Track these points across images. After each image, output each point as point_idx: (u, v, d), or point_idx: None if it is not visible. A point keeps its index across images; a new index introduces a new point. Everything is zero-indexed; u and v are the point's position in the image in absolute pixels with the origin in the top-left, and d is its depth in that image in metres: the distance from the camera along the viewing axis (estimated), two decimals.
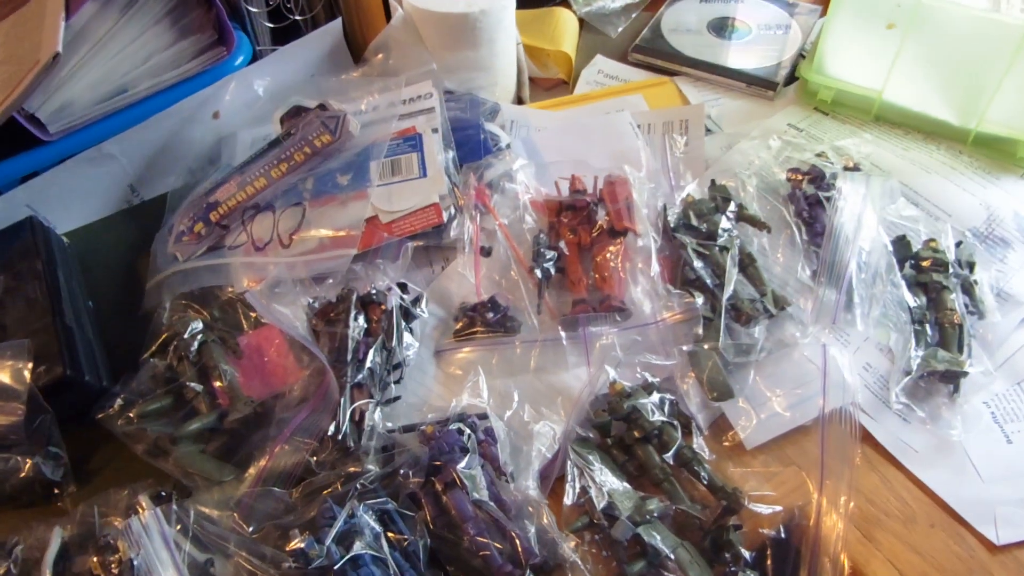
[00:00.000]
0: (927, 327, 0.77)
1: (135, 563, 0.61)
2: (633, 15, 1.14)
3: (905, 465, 0.71)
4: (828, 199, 0.83)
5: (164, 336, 0.75)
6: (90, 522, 0.66)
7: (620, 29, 1.12)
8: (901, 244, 0.81)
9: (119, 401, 0.72)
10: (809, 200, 0.84)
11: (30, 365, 0.69)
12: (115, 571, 0.62)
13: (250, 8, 0.94)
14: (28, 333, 0.72)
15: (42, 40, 0.79)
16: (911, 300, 0.78)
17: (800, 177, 0.86)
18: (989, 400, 0.75)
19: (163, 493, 0.67)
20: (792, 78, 1.02)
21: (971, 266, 0.80)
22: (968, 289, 0.79)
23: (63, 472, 0.71)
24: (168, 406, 0.72)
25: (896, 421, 0.73)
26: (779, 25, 1.09)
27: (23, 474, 0.69)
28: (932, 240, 0.81)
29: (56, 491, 0.71)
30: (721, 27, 1.09)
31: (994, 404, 0.74)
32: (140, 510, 0.64)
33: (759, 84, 1.01)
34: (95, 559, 0.63)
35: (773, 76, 1.01)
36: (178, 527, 0.64)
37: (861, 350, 0.77)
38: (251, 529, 0.64)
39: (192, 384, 0.72)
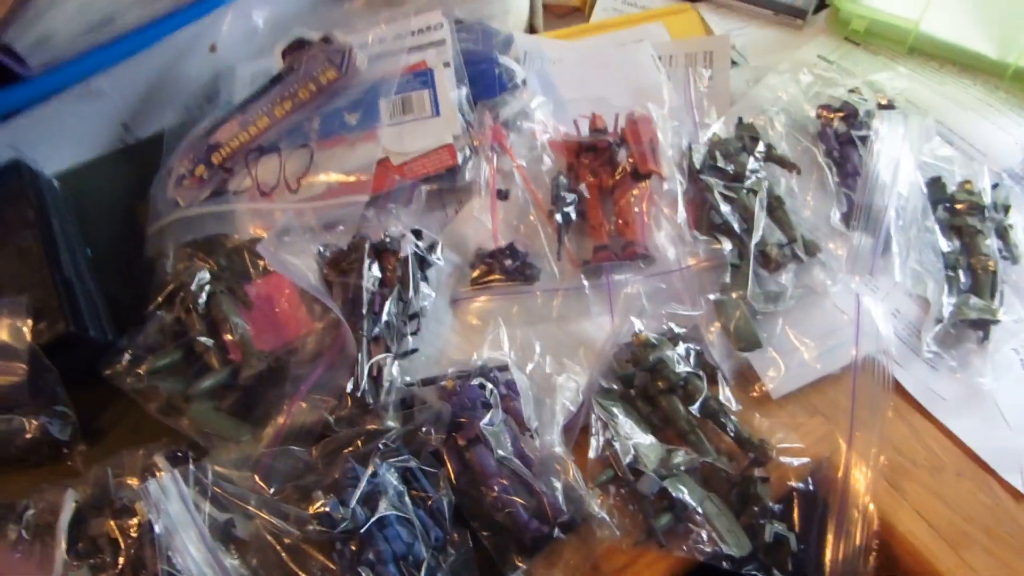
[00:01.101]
0: (960, 272, 0.74)
1: (155, 527, 0.59)
2: None
3: (933, 414, 0.70)
4: (861, 139, 0.79)
5: (170, 287, 0.72)
6: (104, 483, 0.64)
7: None
8: (936, 186, 0.78)
9: (127, 356, 0.69)
10: (841, 139, 0.81)
11: (30, 322, 0.66)
12: (134, 535, 0.60)
13: None
14: (24, 287, 0.68)
15: None
16: (944, 245, 0.75)
17: (831, 115, 0.82)
18: (1019, 347, 0.73)
19: (179, 453, 0.65)
20: (822, 5, 0.97)
21: (1006, 209, 0.77)
22: (1003, 233, 0.76)
23: (71, 431, 0.69)
24: (178, 361, 0.70)
25: (925, 369, 0.72)
26: None
27: (29, 435, 0.66)
28: (967, 182, 0.78)
29: (65, 451, 0.69)
30: None
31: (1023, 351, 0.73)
32: (157, 471, 0.62)
33: (787, 12, 0.95)
34: (112, 522, 0.61)
35: (802, 2, 0.96)
36: (196, 488, 0.62)
37: (890, 296, 0.75)
38: (272, 490, 0.63)
39: (202, 338, 0.69)
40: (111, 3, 0.80)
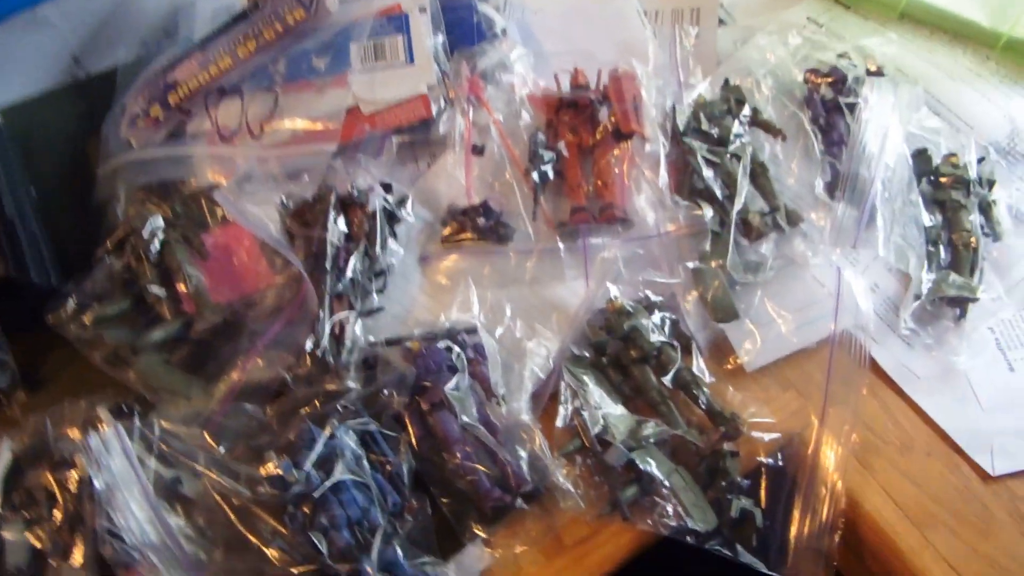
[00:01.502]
0: (940, 248, 0.73)
1: (95, 483, 0.56)
2: None
3: (906, 391, 0.69)
4: (849, 106, 0.77)
5: (121, 233, 0.68)
6: (43, 434, 0.61)
7: None
8: (921, 158, 0.76)
9: (72, 303, 0.65)
10: (827, 105, 0.78)
11: None
12: (73, 489, 0.58)
13: None
14: None
15: None
16: (927, 219, 0.74)
17: (819, 79, 0.80)
18: (994, 326, 0.72)
19: (124, 406, 0.62)
20: None
21: (991, 184, 0.76)
22: (986, 209, 0.75)
23: (10, 379, 0.66)
24: (127, 310, 0.66)
25: (900, 346, 0.71)
26: None
27: None
28: (953, 155, 0.76)
29: (3, 399, 0.66)
30: None
31: (999, 330, 0.72)
32: (100, 424, 0.59)
33: None
34: (49, 475, 0.58)
35: None
36: (141, 443, 0.60)
37: (869, 270, 0.73)
38: (222, 448, 0.60)
39: (153, 288, 0.66)
40: None
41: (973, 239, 0.72)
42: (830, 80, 0.79)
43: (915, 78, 0.82)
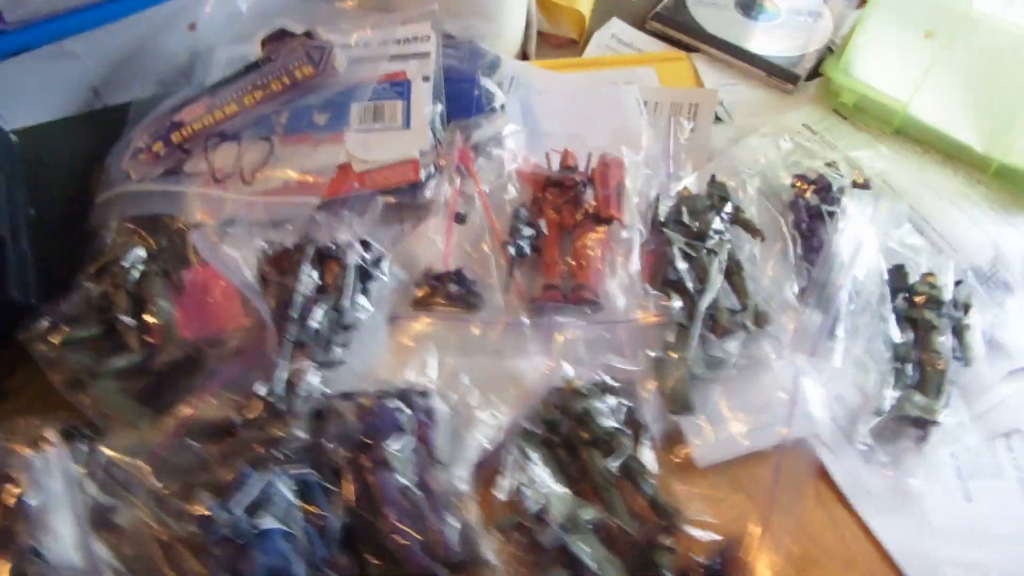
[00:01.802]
0: (908, 367, 0.72)
1: (30, 500, 0.58)
2: None
3: (856, 508, 0.68)
4: (831, 214, 0.78)
5: (104, 260, 0.71)
6: None
7: None
8: (898, 274, 0.76)
9: (44, 323, 0.67)
10: (811, 212, 0.79)
11: None
12: (10, 504, 0.58)
13: None
14: None
15: None
16: (897, 336, 0.73)
17: (806, 186, 0.80)
18: (957, 452, 0.71)
19: (76, 431, 0.63)
20: (815, 73, 0.96)
21: (966, 308, 0.75)
22: (959, 332, 0.74)
23: None
24: (96, 336, 0.68)
25: (857, 460, 0.70)
26: (810, 11, 1.02)
27: None
28: (930, 274, 0.76)
29: None
30: (749, 4, 1.02)
31: (961, 457, 0.71)
32: (46, 444, 0.61)
33: (779, 75, 0.94)
34: None
35: (795, 67, 0.95)
36: (85, 469, 0.61)
37: (835, 380, 0.72)
38: (161, 484, 0.61)
39: (124, 317, 0.68)
40: None
41: (942, 361, 0.71)
42: (815, 187, 0.80)
43: (902, 194, 0.83)
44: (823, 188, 0.80)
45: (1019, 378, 0.74)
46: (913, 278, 0.77)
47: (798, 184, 0.81)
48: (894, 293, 0.75)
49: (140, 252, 0.70)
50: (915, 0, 0.91)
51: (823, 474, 0.69)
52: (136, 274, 0.70)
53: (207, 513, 0.57)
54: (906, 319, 0.74)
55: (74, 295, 0.69)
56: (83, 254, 0.73)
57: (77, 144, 0.81)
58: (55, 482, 0.59)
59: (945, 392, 0.71)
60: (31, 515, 0.57)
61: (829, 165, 0.83)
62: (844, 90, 0.90)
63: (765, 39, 0.98)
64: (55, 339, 0.66)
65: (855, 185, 0.80)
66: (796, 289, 0.76)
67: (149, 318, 0.68)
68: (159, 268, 0.71)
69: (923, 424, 0.70)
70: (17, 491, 0.59)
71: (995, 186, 0.85)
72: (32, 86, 0.79)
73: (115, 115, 0.82)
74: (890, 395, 0.71)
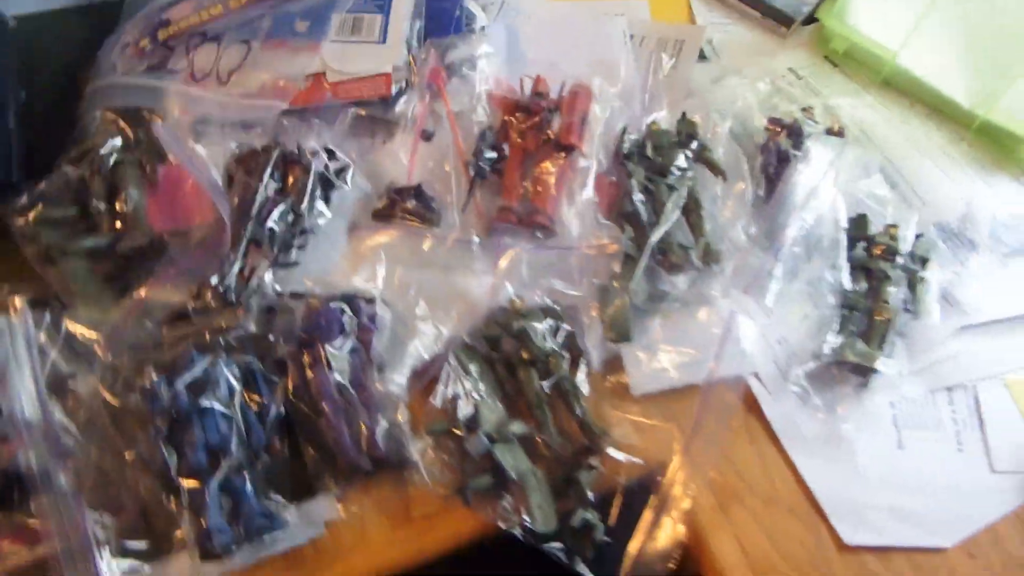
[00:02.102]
0: (856, 315, 0.73)
1: None
2: None
3: (786, 447, 0.69)
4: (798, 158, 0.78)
5: (84, 147, 0.74)
6: None
7: None
8: (859, 223, 0.76)
9: (24, 199, 0.71)
10: (780, 156, 0.79)
11: None
12: None
13: None
14: None
15: None
16: (848, 283, 0.74)
17: (779, 129, 0.80)
18: (896, 402, 0.71)
19: (42, 301, 0.67)
20: (812, 19, 0.94)
21: (923, 262, 0.75)
22: (913, 285, 0.74)
23: None
24: (69, 217, 0.72)
25: (791, 402, 0.71)
26: None
27: None
28: (893, 226, 0.76)
29: None
30: None
31: (900, 407, 0.71)
32: (13, 309, 0.65)
33: (775, 17, 0.93)
34: None
35: (793, 11, 0.93)
36: (47, 336, 0.65)
37: (779, 322, 0.73)
38: (111, 356, 0.65)
39: (97, 201, 0.71)
40: None
41: (889, 311, 0.72)
42: (788, 131, 0.79)
43: (881, 145, 0.82)
44: (795, 133, 0.79)
45: (971, 334, 0.75)
46: (876, 229, 0.76)
47: (770, 128, 0.81)
48: (853, 242, 0.75)
49: (117, 141, 0.74)
50: None
51: (757, 412, 0.70)
52: (111, 162, 0.73)
53: (150, 386, 0.61)
54: (861, 268, 0.75)
55: (54, 177, 0.73)
56: (68, 140, 0.77)
57: (72, 35, 0.85)
58: (18, 344, 0.64)
59: (889, 342, 0.72)
60: None
61: (804, 110, 0.82)
62: (835, 36, 0.89)
63: None
64: (32, 215, 0.70)
65: (829, 132, 0.80)
66: (753, 230, 0.76)
67: (120, 205, 0.71)
68: (135, 159, 0.74)
69: (864, 372, 0.71)
70: None
71: (977, 144, 0.84)
72: None
73: (110, 10, 0.85)
74: (832, 340, 0.71)
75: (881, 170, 0.80)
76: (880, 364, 0.70)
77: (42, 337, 0.65)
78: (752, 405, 0.71)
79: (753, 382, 0.71)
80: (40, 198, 0.72)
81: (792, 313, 0.73)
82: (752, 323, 0.71)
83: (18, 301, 0.66)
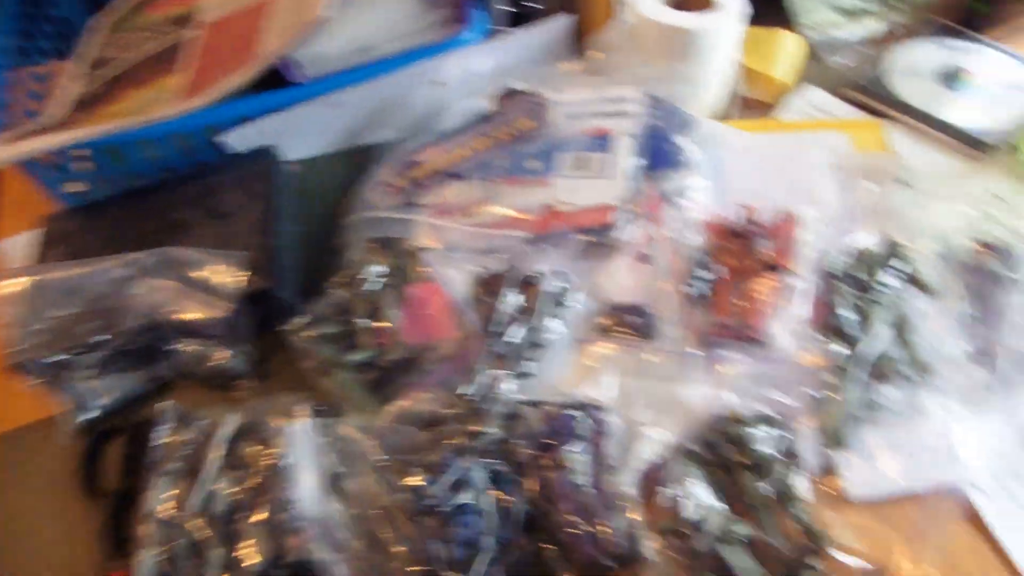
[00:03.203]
0: None
1: (282, 461, 0.72)
2: (862, 48, 1.11)
3: (1013, 559, 0.70)
4: (1010, 280, 0.80)
5: (349, 273, 0.86)
6: (259, 415, 0.77)
7: (842, 61, 1.10)
8: None
9: (302, 319, 0.83)
10: (990, 276, 0.81)
11: (243, 274, 0.82)
12: (267, 462, 0.73)
13: None
14: (247, 247, 0.85)
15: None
16: None
17: (985, 250, 0.83)
18: None
19: (320, 408, 0.77)
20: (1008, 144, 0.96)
21: None
22: None
23: (247, 367, 0.84)
24: (339, 334, 0.83)
25: (1018, 515, 0.72)
26: (1012, 84, 1.03)
27: (218, 361, 0.82)
28: None
29: (238, 382, 0.84)
30: (950, 76, 1.04)
31: None
32: (299, 417, 0.75)
33: (968, 143, 0.97)
34: (256, 447, 0.74)
35: (988, 137, 0.96)
36: (326, 439, 0.75)
37: (996, 433, 0.75)
38: (383, 458, 0.74)
39: (361, 320, 0.83)
40: (374, 36, 0.97)
41: None
42: (995, 253, 0.82)
43: None
44: (1003, 254, 0.82)
45: None
46: None
47: (979, 249, 0.84)
48: None
49: (378, 268, 0.85)
50: None
51: (977, 522, 0.72)
52: (372, 285, 0.85)
53: (422, 483, 0.70)
54: None
55: (324, 299, 0.85)
56: (334, 266, 0.89)
57: (336, 175, 0.98)
58: (304, 448, 0.73)
59: None
60: (285, 473, 0.72)
61: (1013, 233, 0.84)
62: None
63: (962, 110, 1.01)
64: (308, 333, 0.82)
65: None
66: (966, 348, 0.79)
67: (380, 323, 0.83)
68: (391, 282, 0.86)
69: None
70: (274, 451, 0.74)
71: None
72: (308, 128, 0.97)
73: (368, 153, 0.98)
74: None
75: None
76: None
77: (321, 441, 0.75)
78: (972, 515, 0.72)
79: (972, 492, 0.73)
80: (316, 317, 0.84)
81: (1010, 426, 0.75)
82: (969, 434, 0.73)
83: (302, 410, 0.76)
